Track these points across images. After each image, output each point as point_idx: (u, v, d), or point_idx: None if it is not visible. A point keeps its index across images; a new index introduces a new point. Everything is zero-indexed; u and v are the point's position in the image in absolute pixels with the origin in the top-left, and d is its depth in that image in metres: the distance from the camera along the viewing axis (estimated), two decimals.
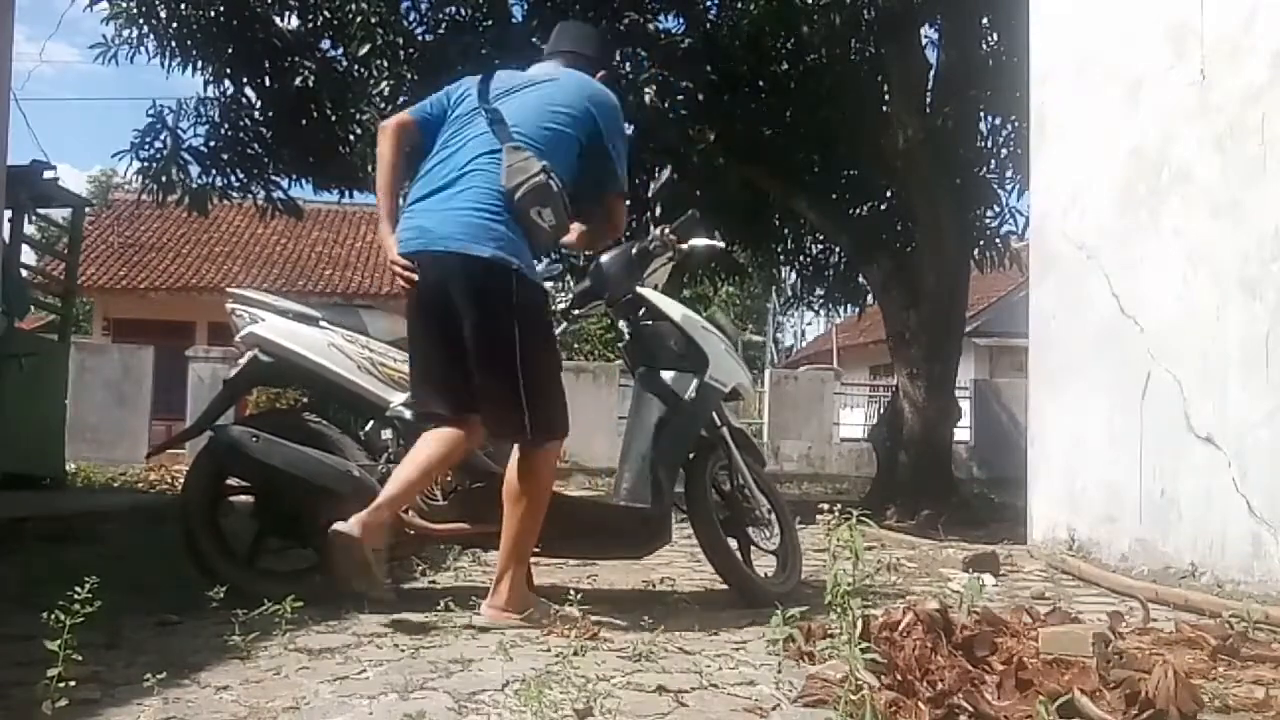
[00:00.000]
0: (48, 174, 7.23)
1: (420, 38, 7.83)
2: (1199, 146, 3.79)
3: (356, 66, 7.57)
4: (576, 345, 23.44)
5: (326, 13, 7.69)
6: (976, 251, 8.48)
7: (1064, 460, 4.47)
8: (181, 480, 3.66)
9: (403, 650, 2.36)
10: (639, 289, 3.31)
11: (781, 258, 10.53)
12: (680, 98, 7.82)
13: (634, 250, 3.33)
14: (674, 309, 3.34)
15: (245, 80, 7.95)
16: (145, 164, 7.82)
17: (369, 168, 3.04)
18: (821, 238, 9.75)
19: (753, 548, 3.38)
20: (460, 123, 2.82)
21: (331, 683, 2.06)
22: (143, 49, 7.67)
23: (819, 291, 10.53)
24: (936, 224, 7.63)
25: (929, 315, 7.76)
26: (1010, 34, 6.95)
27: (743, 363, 3.52)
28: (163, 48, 7.57)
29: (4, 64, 4.97)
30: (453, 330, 2.69)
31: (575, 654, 2.22)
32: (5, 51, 4.99)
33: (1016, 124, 7.80)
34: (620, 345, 3.55)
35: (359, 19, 7.15)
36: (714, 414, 3.32)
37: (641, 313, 3.33)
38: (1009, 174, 8.48)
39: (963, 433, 11.92)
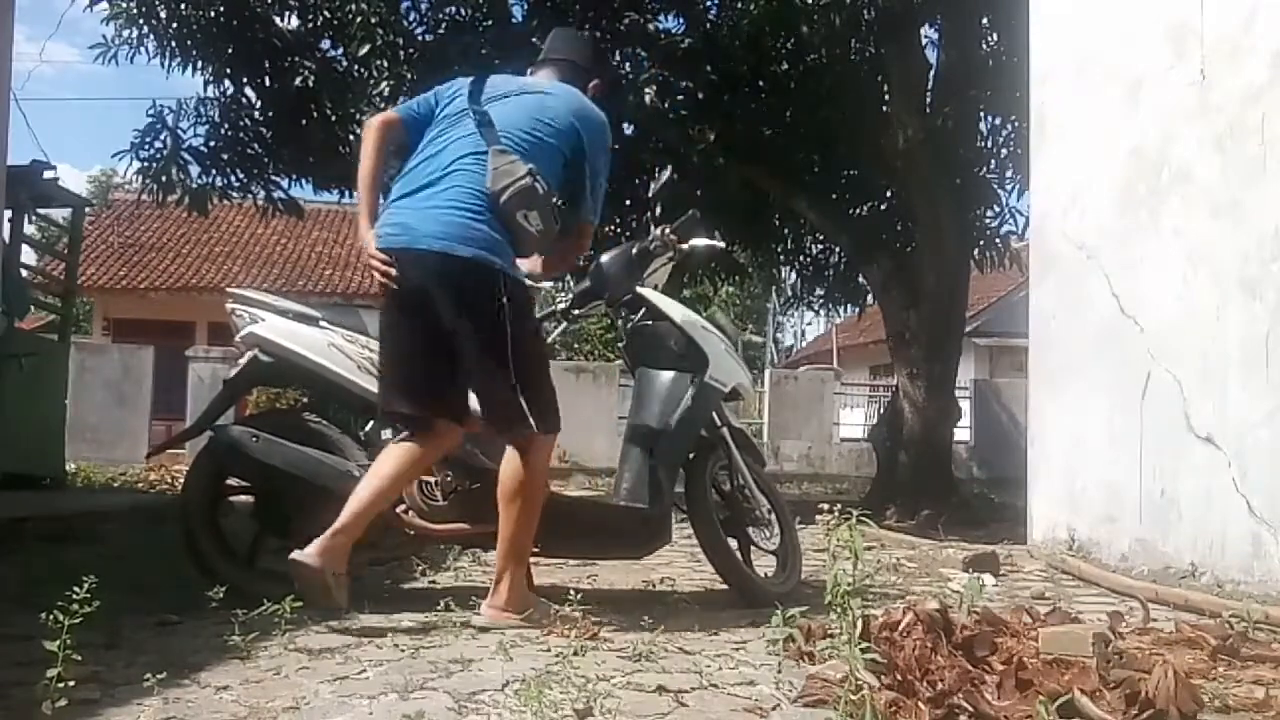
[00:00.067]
0: (48, 174, 7.24)
1: (420, 38, 7.83)
2: (1199, 146, 3.79)
3: (356, 66, 7.57)
4: (576, 345, 23.43)
5: (326, 13, 7.69)
6: (976, 251, 8.48)
7: (1064, 460, 4.47)
8: (181, 480, 3.66)
9: (403, 650, 2.36)
10: (639, 289, 3.32)
11: (781, 258, 10.53)
12: (680, 98, 7.83)
13: (634, 250, 3.33)
14: (674, 309, 3.34)
15: (245, 80, 7.95)
16: (145, 164, 7.82)
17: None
18: (821, 238, 9.75)
19: (753, 548, 3.38)
20: (447, 123, 2.81)
21: (331, 683, 2.06)
22: (143, 49, 7.68)
23: (819, 291, 10.53)
24: (936, 224, 7.63)
25: (929, 315, 7.76)
26: (1010, 34, 6.95)
27: (743, 363, 3.52)
28: (163, 48, 7.57)
29: (4, 64, 4.97)
30: (428, 330, 2.68)
31: (575, 654, 2.22)
32: (5, 51, 4.99)
33: (1016, 124, 7.80)
34: (620, 345, 3.55)
35: (359, 19, 7.15)
36: (714, 414, 3.32)
37: (641, 313, 3.33)
38: (1009, 174, 8.48)
39: (963, 433, 11.92)
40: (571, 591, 2.67)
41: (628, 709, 1.89)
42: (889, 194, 8.68)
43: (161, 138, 7.85)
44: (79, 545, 4.34)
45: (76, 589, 1.85)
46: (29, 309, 8.02)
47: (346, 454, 2.99)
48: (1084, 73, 4.51)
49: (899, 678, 1.92)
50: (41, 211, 8.25)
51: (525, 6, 8.05)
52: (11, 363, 6.55)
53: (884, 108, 7.86)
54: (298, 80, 7.64)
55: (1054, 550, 4.35)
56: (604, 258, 3.38)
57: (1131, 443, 3.96)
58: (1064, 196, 4.61)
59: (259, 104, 8.10)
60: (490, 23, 7.80)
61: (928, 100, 7.72)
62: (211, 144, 8.01)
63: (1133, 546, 3.94)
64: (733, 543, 3.32)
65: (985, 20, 7.72)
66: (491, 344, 2.66)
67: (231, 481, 3.10)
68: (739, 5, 8.01)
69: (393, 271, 2.65)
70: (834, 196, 8.76)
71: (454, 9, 8.01)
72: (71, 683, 1.74)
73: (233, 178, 8.18)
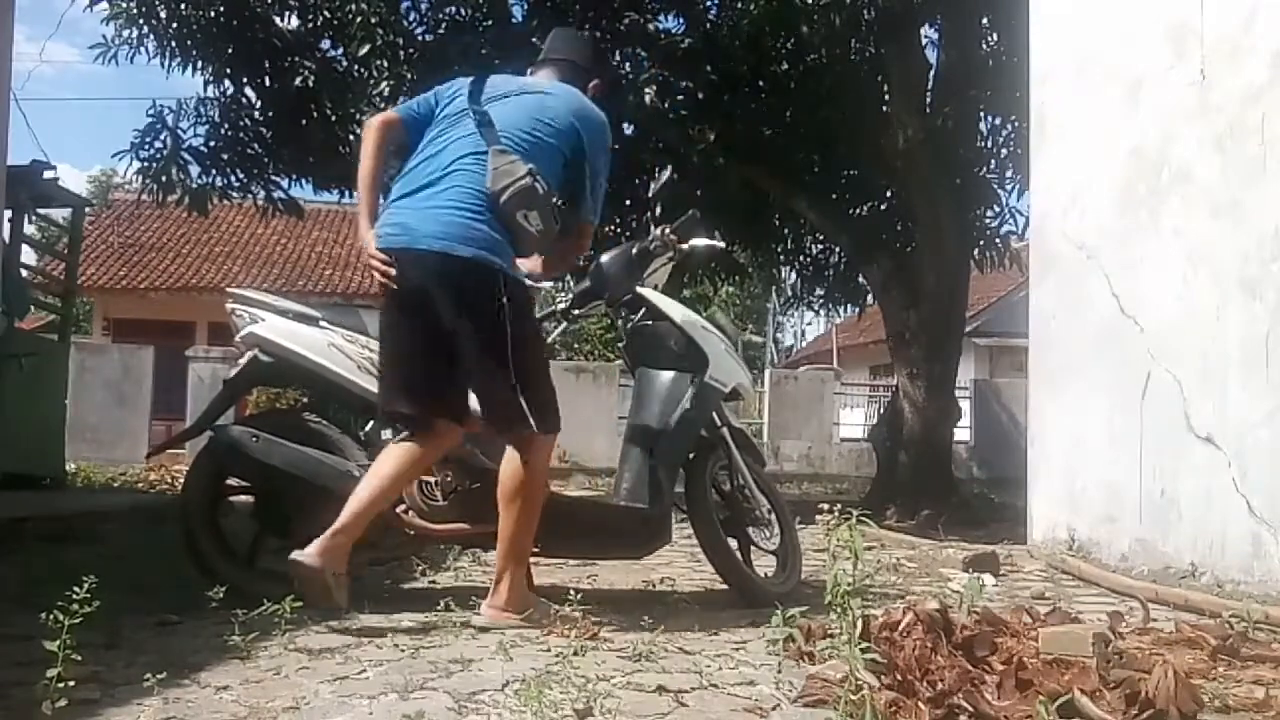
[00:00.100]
0: (48, 174, 7.24)
1: (420, 38, 7.83)
2: (1199, 146, 3.79)
3: (356, 66, 7.57)
4: (576, 345, 23.43)
5: (326, 13, 7.69)
6: (976, 251, 8.48)
7: (1064, 460, 4.47)
8: (181, 480, 3.66)
9: (403, 650, 2.36)
10: (639, 289, 3.32)
11: (781, 258, 10.53)
12: (680, 98, 7.83)
13: (634, 250, 3.33)
14: (674, 309, 3.34)
15: (245, 80, 7.94)
16: (145, 164, 7.81)
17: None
18: (821, 238, 9.75)
19: (753, 548, 3.38)
20: (447, 123, 2.81)
21: (331, 683, 2.06)
22: (143, 49, 7.67)
23: (819, 291, 10.53)
24: (936, 224, 7.63)
25: (929, 315, 7.76)
26: (1010, 34, 6.95)
27: (743, 363, 3.52)
28: (163, 48, 7.56)
29: (4, 64, 4.97)
30: (429, 330, 2.68)
31: (575, 654, 2.22)
32: (5, 51, 4.99)
33: (1016, 124, 7.80)
34: (620, 345, 3.55)
35: (359, 19, 7.15)
36: (714, 414, 3.32)
37: (641, 313, 3.33)
38: (1009, 174, 8.48)
39: (963, 433, 11.92)
40: (571, 591, 2.67)
41: (628, 709, 1.89)
42: (889, 194, 8.68)
43: (161, 138, 7.85)
44: (79, 545, 4.34)
45: (76, 589, 1.85)
46: (29, 309, 8.02)
47: (346, 454, 2.99)
48: (1084, 73, 4.52)
49: (899, 678, 1.92)
50: (41, 211, 8.25)
51: (525, 6, 8.06)
52: (11, 363, 6.55)
53: (884, 108, 7.86)
54: (298, 80, 7.64)
55: (1054, 550, 4.35)
56: (604, 258, 3.38)
57: (1131, 443, 3.96)
58: (1064, 196, 4.61)
59: (259, 104, 8.10)
60: (490, 23, 7.80)
61: (928, 100, 7.72)
62: (211, 144, 8.01)
63: (1133, 546, 3.94)
64: (733, 543, 3.32)
65: (985, 20, 7.72)
66: (492, 344, 2.66)
67: (231, 481, 3.10)
68: (739, 5, 8.01)
69: (392, 271, 2.65)
70: (834, 196, 8.75)
71: (454, 9, 8.01)
72: (71, 683, 1.74)
73: (233, 178, 8.17)
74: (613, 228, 8.94)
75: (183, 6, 7.33)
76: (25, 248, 8.89)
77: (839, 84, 7.70)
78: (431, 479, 2.97)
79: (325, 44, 8.01)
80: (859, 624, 1.84)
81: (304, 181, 8.68)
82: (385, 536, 3.06)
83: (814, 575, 3.59)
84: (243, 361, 3.07)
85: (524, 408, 2.67)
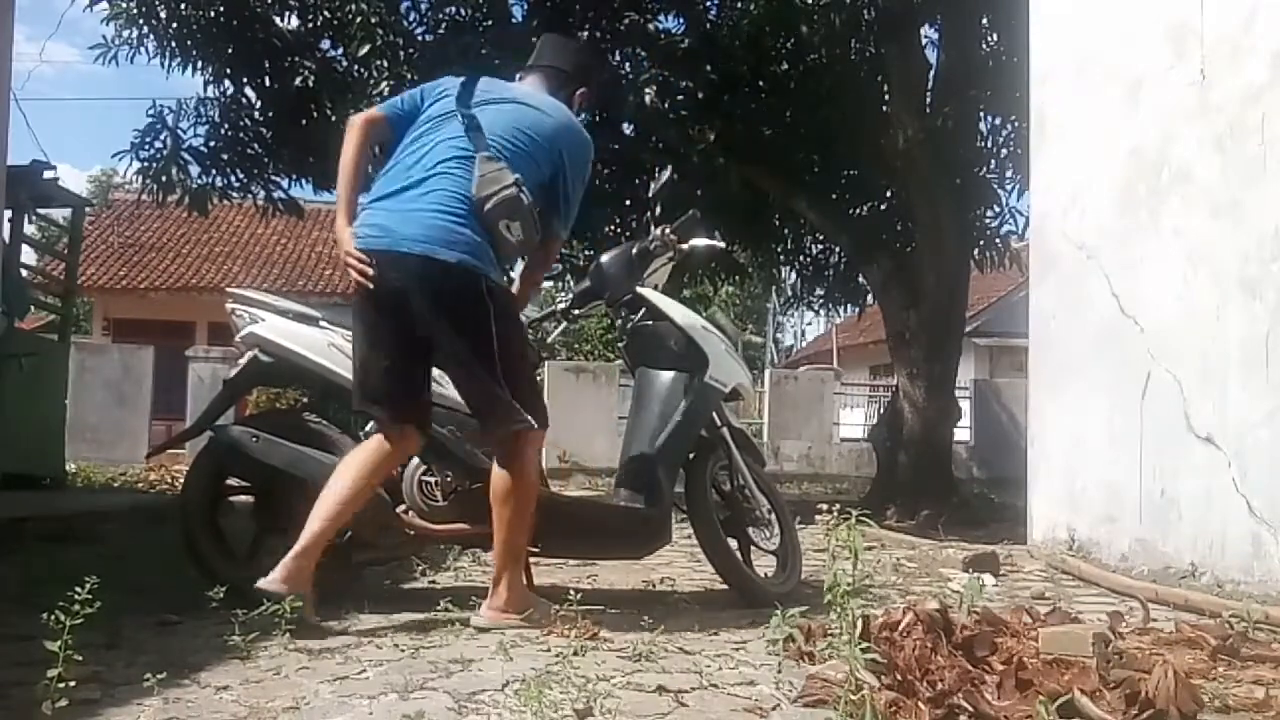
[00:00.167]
0: (48, 174, 7.24)
1: (420, 38, 7.83)
2: (1199, 146, 3.79)
3: (356, 66, 7.56)
4: (576, 345, 23.44)
5: (326, 13, 7.69)
6: (976, 251, 8.48)
7: (1064, 460, 4.47)
8: (181, 480, 3.66)
9: (403, 650, 2.36)
10: (639, 289, 3.32)
11: (781, 258, 10.52)
12: (680, 98, 7.83)
13: (634, 250, 3.33)
14: (674, 309, 3.34)
15: (245, 80, 7.94)
16: (145, 164, 7.81)
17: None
18: (821, 238, 9.75)
19: (753, 548, 3.38)
20: (433, 123, 2.79)
21: (331, 683, 2.06)
22: (143, 49, 7.67)
23: (819, 291, 10.52)
24: (936, 224, 7.63)
25: (929, 315, 7.76)
26: (1010, 34, 6.95)
27: (743, 363, 3.52)
28: (163, 48, 7.56)
29: (4, 64, 4.96)
30: (406, 332, 2.67)
31: (575, 654, 2.22)
32: (5, 51, 4.99)
33: (1016, 124, 7.79)
34: (620, 345, 3.55)
35: (359, 19, 7.14)
36: (714, 414, 3.32)
37: (641, 313, 3.33)
38: (1009, 174, 8.48)
39: (963, 433, 11.91)
40: (571, 591, 2.67)
41: (628, 709, 1.89)
42: (889, 194, 8.68)
43: (161, 138, 7.85)
44: (79, 545, 4.34)
45: (77, 589, 1.85)
46: (29, 309, 8.03)
47: (346, 454, 2.99)
48: (1084, 73, 4.51)
49: (899, 678, 1.92)
50: (41, 211, 8.26)
51: (525, 6, 8.06)
52: (11, 363, 6.55)
53: (884, 108, 7.85)
54: (298, 80, 7.64)
55: (1054, 550, 4.35)
56: (604, 258, 3.38)
57: (1131, 443, 3.96)
58: (1064, 196, 4.61)
59: (259, 104, 8.10)
60: (490, 23, 7.80)
61: (928, 100, 7.72)
62: (211, 144, 8.01)
63: (1133, 546, 3.94)
64: (733, 543, 3.32)
65: (985, 20, 7.72)
66: (478, 346, 2.66)
67: (231, 481, 3.10)
68: (739, 5, 8.01)
69: (370, 271, 2.63)
70: (834, 196, 8.75)
71: (454, 9, 8.01)
72: (72, 683, 1.74)
73: (233, 178, 8.17)
74: (613, 228, 8.94)
75: (183, 6, 7.33)
76: (25, 248, 8.90)
77: (839, 84, 7.70)
78: (431, 479, 2.97)
79: (325, 44, 8.01)
80: (859, 624, 1.84)
81: (304, 181, 8.68)
82: (385, 536, 3.06)
83: (814, 575, 3.59)
84: (243, 361, 3.08)
85: (516, 406, 2.67)
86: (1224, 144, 3.67)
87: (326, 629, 2.56)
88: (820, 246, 10.06)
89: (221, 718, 1.83)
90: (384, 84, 7.09)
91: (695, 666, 2.27)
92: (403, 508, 2.98)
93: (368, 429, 3.04)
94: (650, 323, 3.31)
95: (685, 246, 3.37)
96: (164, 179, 7.78)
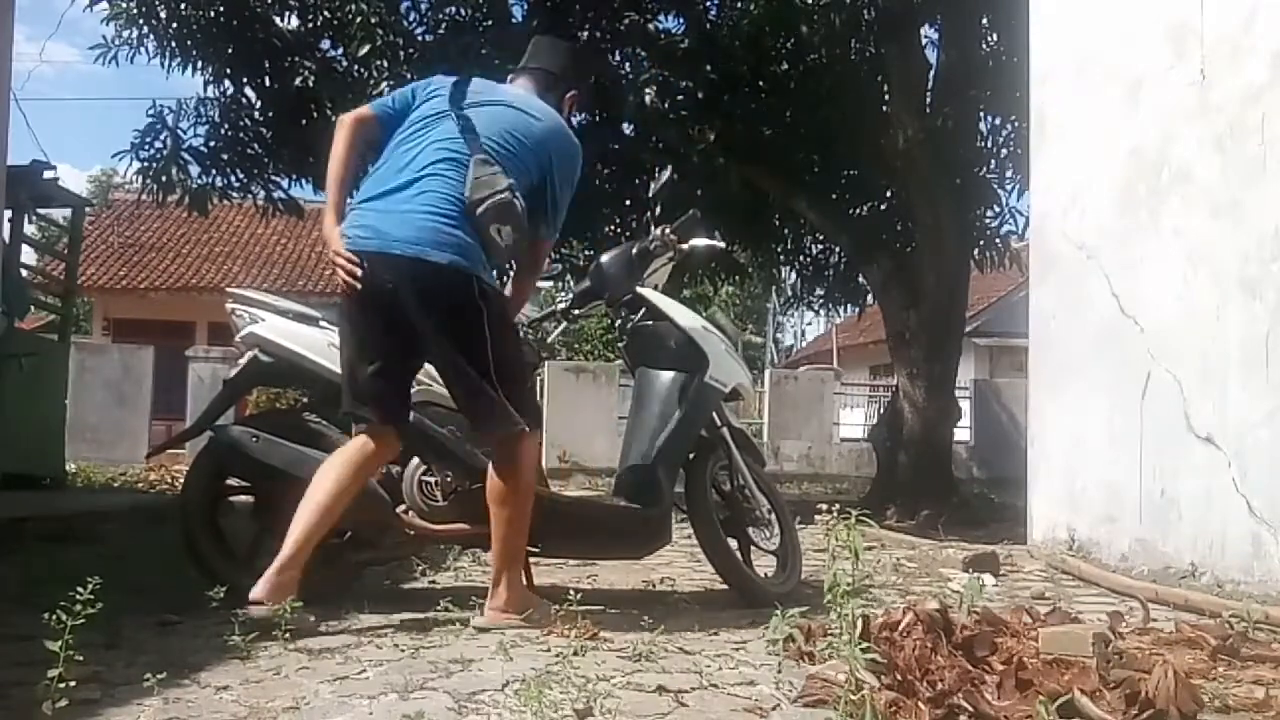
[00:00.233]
0: (48, 174, 7.24)
1: (420, 38, 7.83)
2: (1199, 146, 3.79)
3: (356, 66, 7.56)
4: (576, 345, 23.43)
5: (326, 13, 7.69)
6: (976, 251, 8.48)
7: (1064, 460, 4.47)
8: (181, 480, 3.66)
9: (403, 650, 2.36)
10: (639, 289, 3.32)
11: (781, 258, 10.53)
12: (680, 98, 7.83)
13: (634, 250, 3.33)
14: (674, 309, 3.34)
15: (245, 80, 7.94)
16: (145, 164, 7.81)
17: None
18: (821, 238, 9.75)
19: (753, 548, 3.38)
20: (424, 123, 2.77)
21: (331, 683, 2.06)
22: (143, 49, 7.67)
23: (819, 291, 10.52)
24: (936, 224, 7.63)
25: (929, 315, 7.76)
26: (1010, 34, 6.95)
27: (743, 363, 3.52)
28: (163, 48, 7.56)
29: (4, 64, 4.97)
30: (396, 334, 2.66)
31: (575, 654, 2.22)
32: (5, 51, 4.99)
33: (1016, 124, 7.79)
34: (620, 345, 3.55)
35: (359, 19, 7.14)
36: (714, 414, 3.32)
37: (641, 313, 3.33)
38: (1009, 174, 8.48)
39: (963, 433, 11.91)
40: (571, 591, 2.66)
41: (628, 709, 1.89)
42: (889, 194, 8.68)
43: (161, 138, 7.85)
44: (79, 545, 4.34)
45: (79, 589, 1.85)
46: (29, 309, 8.03)
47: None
48: (1084, 73, 4.51)
49: (899, 678, 1.92)
50: (41, 211, 8.26)
51: (525, 6, 8.06)
52: (11, 363, 6.55)
53: (884, 108, 7.85)
54: (298, 80, 7.63)
55: (1054, 550, 4.35)
56: (604, 258, 3.38)
57: (1131, 443, 3.96)
58: (1064, 196, 4.61)
59: (259, 104, 8.09)
60: (490, 23, 7.80)
61: (928, 100, 7.72)
62: (211, 144, 8.01)
63: (1133, 546, 3.94)
64: (733, 543, 3.32)
65: (985, 20, 7.72)
66: (472, 349, 2.65)
67: (231, 481, 3.10)
68: (739, 5, 8.01)
69: (359, 272, 2.61)
70: (834, 196, 8.75)
71: (454, 9, 8.01)
72: (72, 683, 1.74)
73: (233, 178, 8.17)
74: (613, 228, 8.94)
75: (183, 6, 7.33)
76: (25, 248, 8.90)
77: (839, 84, 7.70)
78: (431, 479, 2.97)
79: (325, 44, 8.01)
80: (859, 624, 1.84)
81: (304, 181, 8.68)
82: (385, 536, 3.06)
83: (814, 575, 3.59)
84: (243, 361, 3.07)
85: (510, 410, 2.66)
86: (1224, 144, 3.67)
87: (326, 629, 2.56)
88: (820, 246, 10.06)
89: (221, 718, 1.83)
90: (384, 84, 7.09)
91: (695, 666, 2.27)
92: (403, 508, 2.98)
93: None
94: (650, 323, 3.31)
95: (685, 246, 3.37)
96: (164, 179, 7.78)
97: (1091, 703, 1.83)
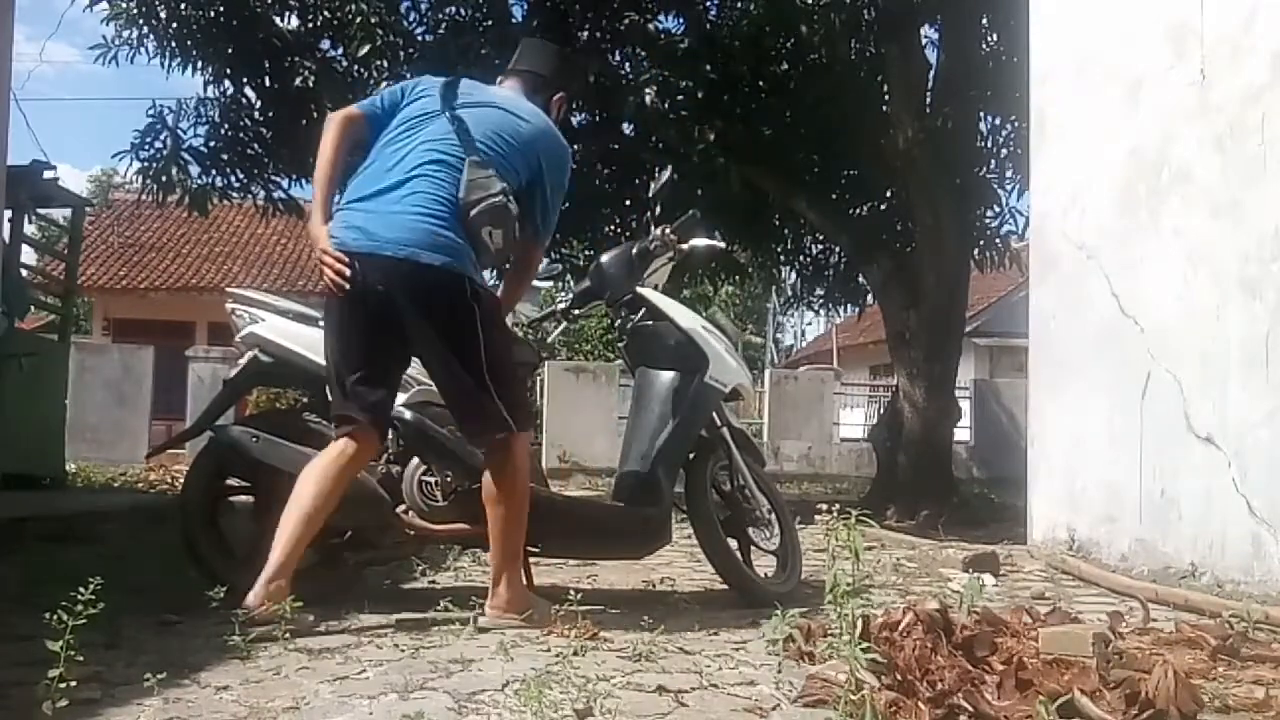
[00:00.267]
0: (48, 174, 7.25)
1: (420, 38, 7.83)
2: (1199, 146, 3.79)
3: (356, 66, 7.57)
4: (576, 345, 23.44)
5: (326, 13, 7.69)
6: (976, 251, 8.48)
7: (1064, 460, 4.47)
8: (181, 480, 3.66)
9: (403, 650, 2.36)
10: (639, 289, 3.32)
11: (781, 258, 10.52)
12: (680, 98, 7.83)
13: (634, 250, 3.33)
14: (674, 309, 3.34)
15: (245, 80, 7.94)
16: (145, 164, 7.81)
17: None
18: (821, 238, 9.75)
19: (753, 548, 3.38)
20: (414, 123, 2.76)
21: (331, 683, 2.06)
22: (143, 49, 7.67)
23: (819, 291, 10.52)
24: (936, 224, 7.63)
25: (929, 315, 7.76)
26: (1010, 34, 6.95)
27: (743, 363, 3.52)
28: (163, 48, 7.56)
29: (4, 64, 4.97)
30: (386, 335, 2.65)
31: (575, 654, 2.22)
32: (5, 51, 4.99)
33: (1016, 124, 7.79)
34: (620, 345, 3.55)
35: (359, 19, 7.14)
36: (714, 414, 3.32)
37: (641, 313, 3.33)
38: (1009, 174, 8.48)
39: (963, 433, 11.91)
40: (571, 591, 2.66)
41: (628, 709, 1.89)
42: (889, 194, 8.68)
43: (161, 138, 7.85)
44: (79, 545, 4.34)
45: (79, 589, 1.85)
46: (29, 309, 8.03)
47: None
48: (1084, 73, 4.51)
49: (899, 678, 1.92)
50: (41, 211, 8.26)
51: (525, 6, 8.06)
52: (11, 363, 6.56)
53: (884, 108, 7.85)
54: (298, 80, 7.63)
55: (1054, 550, 4.35)
56: (604, 258, 3.38)
57: (1131, 443, 3.96)
58: (1064, 196, 4.61)
59: (259, 104, 8.09)
60: (490, 23, 7.80)
61: (928, 100, 7.72)
62: (211, 144, 8.01)
63: (1133, 546, 3.94)
64: (733, 543, 3.32)
65: (985, 20, 7.72)
66: (465, 349, 2.65)
67: (231, 481, 3.10)
68: (739, 5, 8.01)
69: (347, 272, 2.59)
70: (834, 196, 8.75)
71: (454, 9, 8.01)
72: (72, 683, 1.74)
73: (233, 178, 8.17)
74: (613, 228, 8.94)
75: (183, 6, 7.33)
76: (25, 248, 8.90)
77: (839, 84, 7.70)
78: (431, 479, 2.97)
79: (325, 44, 8.01)
80: (859, 624, 1.84)
81: (304, 181, 8.67)
82: (385, 536, 3.06)
83: (814, 575, 3.59)
84: (243, 361, 3.08)
85: (502, 411, 2.66)
86: (1224, 144, 3.67)
87: (326, 629, 2.56)
88: (820, 246, 10.06)
89: (221, 718, 1.83)
90: (384, 84, 7.09)
91: (695, 666, 2.27)
92: (403, 508, 2.98)
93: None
94: (650, 323, 3.30)
95: (685, 246, 3.37)
96: (164, 179, 7.78)
97: (1091, 703, 1.83)
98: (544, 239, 2.99)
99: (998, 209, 8.52)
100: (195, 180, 7.98)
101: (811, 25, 7.14)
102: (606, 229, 8.84)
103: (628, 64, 8.39)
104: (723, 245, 8.43)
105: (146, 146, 7.81)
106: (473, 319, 2.64)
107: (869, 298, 9.74)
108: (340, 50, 7.84)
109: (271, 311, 3.04)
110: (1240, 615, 2.71)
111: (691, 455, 3.28)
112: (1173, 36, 3.94)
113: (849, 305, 10.65)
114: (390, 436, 2.97)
